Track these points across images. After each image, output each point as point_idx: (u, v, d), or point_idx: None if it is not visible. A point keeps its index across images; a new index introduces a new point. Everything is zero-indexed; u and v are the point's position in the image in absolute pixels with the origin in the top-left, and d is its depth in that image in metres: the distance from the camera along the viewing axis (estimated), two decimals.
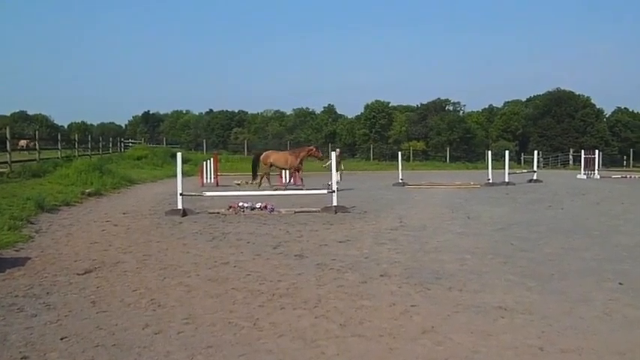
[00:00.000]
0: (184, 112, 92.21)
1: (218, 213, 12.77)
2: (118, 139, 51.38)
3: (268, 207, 13.08)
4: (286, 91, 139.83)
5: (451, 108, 73.78)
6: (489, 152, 27.55)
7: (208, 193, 14.93)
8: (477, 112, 76.33)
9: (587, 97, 69.55)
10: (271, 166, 21.88)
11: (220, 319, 5.04)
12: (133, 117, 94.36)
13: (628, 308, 5.36)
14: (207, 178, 23.63)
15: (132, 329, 4.77)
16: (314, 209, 13.25)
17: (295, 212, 12.95)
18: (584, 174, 31.35)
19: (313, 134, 74.29)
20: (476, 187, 22.48)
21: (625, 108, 75.20)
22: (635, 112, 74.73)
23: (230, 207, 13.12)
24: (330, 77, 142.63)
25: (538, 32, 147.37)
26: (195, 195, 14.37)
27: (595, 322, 4.96)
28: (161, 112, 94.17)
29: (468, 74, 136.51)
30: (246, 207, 13.13)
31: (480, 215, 12.72)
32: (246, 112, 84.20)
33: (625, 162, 55.43)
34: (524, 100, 78.95)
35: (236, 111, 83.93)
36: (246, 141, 65.38)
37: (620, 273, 6.78)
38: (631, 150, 57.59)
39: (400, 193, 19.40)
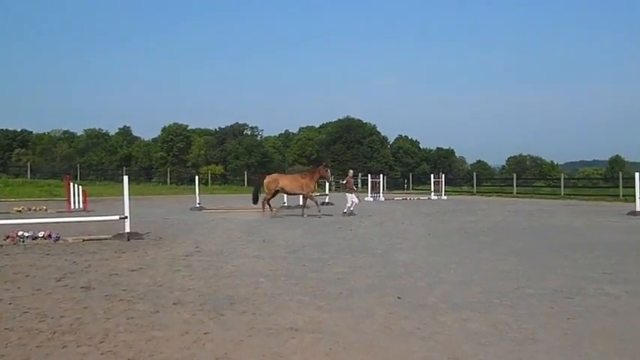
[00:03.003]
0: None
1: None
2: None
3: (53, 236, 12.10)
4: (76, 110, 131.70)
5: (249, 132, 75.20)
6: None
7: None
8: (274, 137, 78.81)
9: (374, 126, 75.62)
10: (278, 191, 19.89)
11: None
12: None
13: (405, 320, 5.83)
14: None
15: None
16: (105, 236, 12.55)
17: (84, 240, 12.15)
18: (371, 196, 33.84)
19: (107, 157, 70.88)
20: (272, 210, 23.00)
21: (405, 136, 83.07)
22: (414, 139, 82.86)
23: (8, 237, 11.90)
24: (126, 98, 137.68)
25: (330, 64, 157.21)
26: None
27: (377, 335, 5.31)
28: None
29: (266, 100, 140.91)
30: (27, 236, 12.00)
31: (275, 238, 13.06)
32: (31, 132, 77.42)
33: (405, 185, 60.75)
34: (317, 126, 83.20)
35: (19, 130, 76.80)
36: (29, 163, 59.96)
37: (398, 288, 7.38)
38: (410, 174, 63.39)
39: (197, 217, 19.20)
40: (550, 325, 5.61)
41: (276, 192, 20.22)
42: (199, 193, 24.78)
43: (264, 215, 19.50)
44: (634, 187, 20.73)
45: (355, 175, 22.34)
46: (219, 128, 74.22)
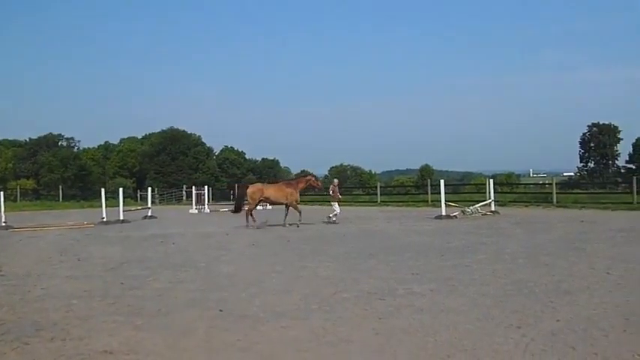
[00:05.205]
0: None
1: None
2: None
3: None
4: None
5: (65, 144, 70.55)
6: (103, 190, 27.03)
7: None
8: (93, 148, 74.75)
9: (199, 137, 74.73)
10: (262, 201, 19.05)
11: None
12: None
13: (225, 333, 5.81)
14: None
15: None
16: None
17: None
18: (196, 208, 33.44)
19: None
20: (89, 226, 21.80)
21: (231, 147, 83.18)
22: (240, 150, 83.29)
23: None
24: None
25: (151, 72, 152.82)
26: None
27: (196, 351, 5.23)
28: None
29: (82, 109, 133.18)
30: None
31: (92, 256, 12.36)
32: None
33: (232, 196, 60.45)
34: (140, 137, 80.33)
35: None
36: None
37: (220, 300, 7.33)
38: (236, 185, 63.33)
39: (3, 238, 17.53)
40: (363, 325, 5.94)
41: (260, 202, 20.05)
42: (5, 211, 22.71)
43: (248, 227, 18.87)
44: (440, 193, 22.69)
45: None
46: (30, 139, 68.72)
